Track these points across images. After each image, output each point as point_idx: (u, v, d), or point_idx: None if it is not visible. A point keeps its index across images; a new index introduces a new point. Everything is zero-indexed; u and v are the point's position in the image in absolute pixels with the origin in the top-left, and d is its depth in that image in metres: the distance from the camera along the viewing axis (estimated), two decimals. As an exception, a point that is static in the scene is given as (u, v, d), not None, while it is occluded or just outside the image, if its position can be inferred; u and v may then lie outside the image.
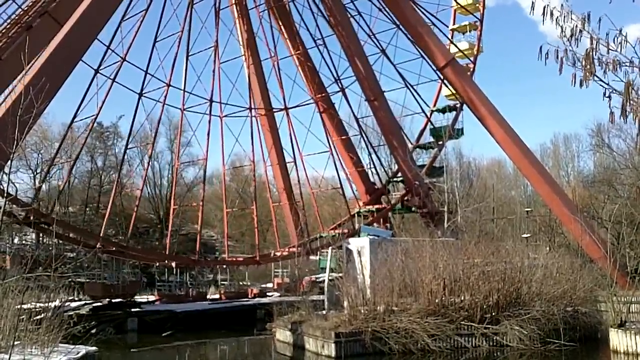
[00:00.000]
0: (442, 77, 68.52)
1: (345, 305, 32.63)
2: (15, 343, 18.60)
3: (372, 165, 71.49)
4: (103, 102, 54.98)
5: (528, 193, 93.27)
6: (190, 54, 63.12)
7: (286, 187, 69.02)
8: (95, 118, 57.24)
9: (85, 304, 44.85)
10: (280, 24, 67.83)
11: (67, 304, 34.26)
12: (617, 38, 11.47)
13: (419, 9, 66.62)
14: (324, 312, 34.87)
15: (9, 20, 44.92)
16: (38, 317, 22.10)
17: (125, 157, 68.30)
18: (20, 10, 45.26)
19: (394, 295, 31.31)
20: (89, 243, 51.76)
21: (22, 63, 22.23)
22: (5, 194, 19.27)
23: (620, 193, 56.72)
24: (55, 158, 61.66)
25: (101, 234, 56.10)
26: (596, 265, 40.16)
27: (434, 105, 73.35)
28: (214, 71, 63.27)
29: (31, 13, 44.59)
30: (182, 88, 62.02)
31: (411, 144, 72.17)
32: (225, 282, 66.91)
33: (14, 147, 16.37)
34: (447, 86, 69.86)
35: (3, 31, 44.06)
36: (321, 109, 68.67)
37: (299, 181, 67.00)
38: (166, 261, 60.43)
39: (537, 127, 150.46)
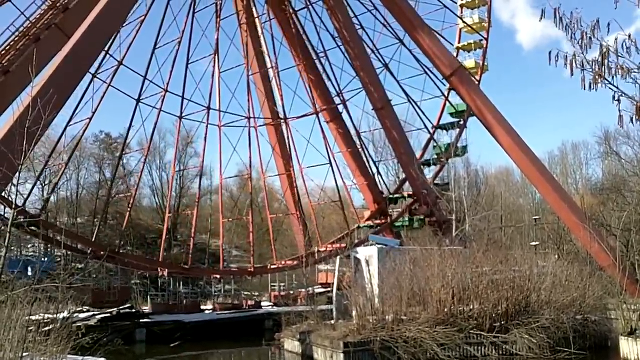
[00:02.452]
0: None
1: (354, 314, 32.57)
2: (24, 354, 18.58)
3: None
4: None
5: (536, 201, 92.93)
6: (190, 61, 63.61)
7: (294, 196, 69.14)
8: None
9: (94, 314, 44.85)
10: (287, 33, 68.02)
11: (75, 314, 34.24)
12: (626, 43, 11.43)
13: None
14: (333, 321, 34.77)
15: (17, 33, 45.18)
16: (46, 328, 22.08)
17: (133, 167, 68.94)
18: (28, 22, 45.51)
19: (402, 304, 31.23)
20: (152, 267, 58.57)
21: (29, 75, 22.31)
22: (13, 205, 19.30)
23: (628, 200, 56.46)
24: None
25: (160, 259, 60.55)
26: (605, 273, 39.99)
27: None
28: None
29: (39, 25, 44.89)
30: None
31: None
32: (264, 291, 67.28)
33: (22, 159, 16.40)
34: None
35: (11, 43, 44.33)
36: (328, 119, 68.80)
37: (336, 183, 68.18)
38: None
39: (544, 135, 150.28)
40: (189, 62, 62.96)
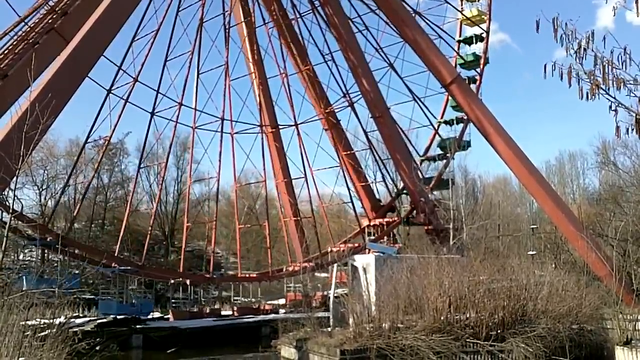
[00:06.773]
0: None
1: (351, 322, 32.51)
2: (20, 359, 18.56)
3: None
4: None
5: (534, 210, 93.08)
6: (200, 72, 64.43)
7: (292, 203, 69.24)
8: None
9: (90, 320, 44.79)
10: (288, 41, 68.33)
11: (71, 320, 34.20)
12: (622, 56, 11.47)
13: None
14: (329, 329, 34.72)
15: (15, 37, 45.17)
16: (42, 333, 22.05)
17: (132, 173, 69.23)
18: (26, 27, 45.50)
19: (399, 312, 31.18)
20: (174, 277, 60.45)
21: (28, 79, 22.33)
22: (10, 210, 19.29)
23: (625, 210, 56.50)
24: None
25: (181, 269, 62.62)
26: (602, 283, 39.99)
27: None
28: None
29: (38, 30, 44.85)
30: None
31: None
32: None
33: (20, 164, 16.40)
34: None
35: (10, 48, 44.28)
36: (328, 126, 68.97)
37: (347, 184, 68.51)
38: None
39: (542, 145, 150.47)
40: (200, 72, 64.45)
